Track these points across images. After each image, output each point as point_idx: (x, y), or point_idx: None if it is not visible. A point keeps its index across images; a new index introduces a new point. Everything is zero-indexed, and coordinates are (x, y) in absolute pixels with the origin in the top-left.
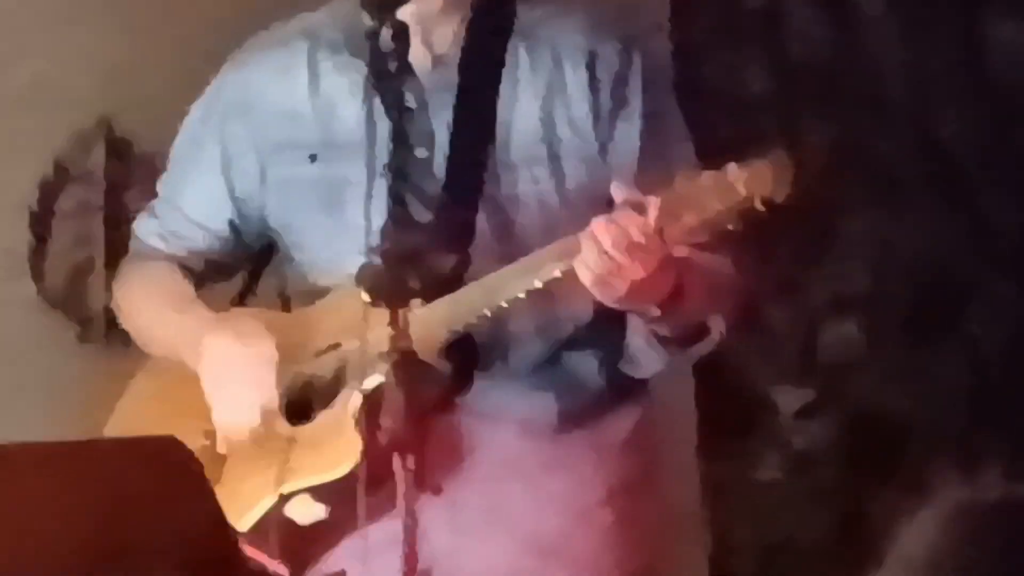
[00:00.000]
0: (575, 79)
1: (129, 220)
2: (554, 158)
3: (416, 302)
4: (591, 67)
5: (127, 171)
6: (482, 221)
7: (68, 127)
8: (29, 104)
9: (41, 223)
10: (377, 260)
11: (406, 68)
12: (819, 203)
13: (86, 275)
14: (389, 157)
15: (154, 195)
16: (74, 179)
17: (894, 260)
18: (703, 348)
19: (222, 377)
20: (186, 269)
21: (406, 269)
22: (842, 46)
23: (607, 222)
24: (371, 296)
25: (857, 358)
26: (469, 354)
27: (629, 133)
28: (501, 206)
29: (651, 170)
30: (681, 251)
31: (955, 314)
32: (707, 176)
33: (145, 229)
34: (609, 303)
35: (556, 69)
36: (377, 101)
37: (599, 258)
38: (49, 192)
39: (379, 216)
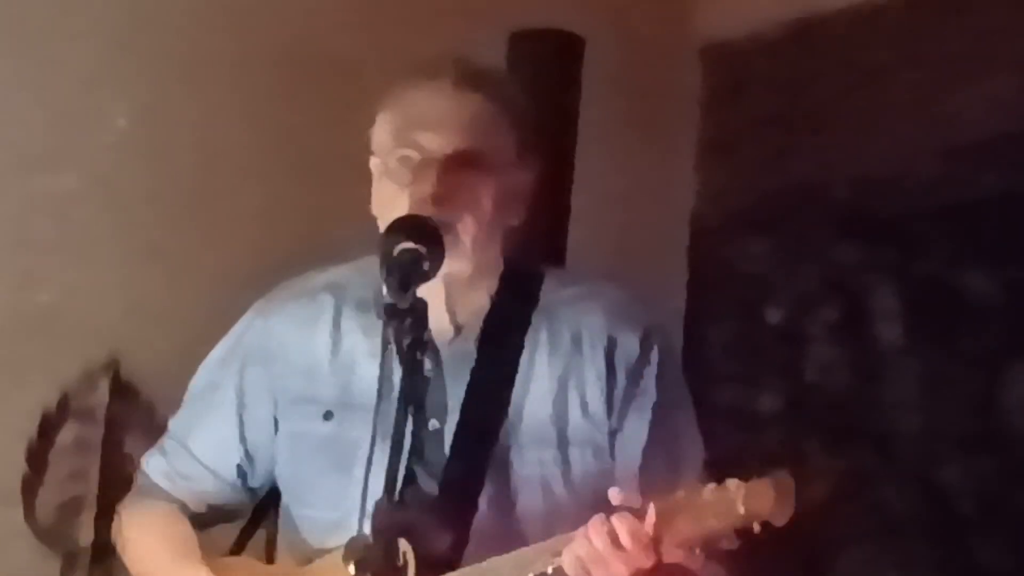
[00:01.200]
0: (592, 364)
1: (125, 463)
2: (563, 442)
3: None
4: (609, 354)
5: (128, 415)
6: (483, 500)
7: (76, 361)
8: (41, 334)
9: (38, 455)
10: (367, 533)
11: (421, 345)
12: (816, 531)
13: (76, 512)
14: (399, 425)
15: (151, 443)
16: (76, 415)
17: None
18: None
19: None
20: (189, 513)
21: (396, 546)
22: (856, 376)
23: (602, 522)
24: (358, 571)
25: None
26: None
27: (638, 427)
28: (505, 487)
29: (656, 467)
30: (678, 556)
31: None
32: (708, 491)
33: (153, 466)
34: None
35: (574, 352)
36: (395, 367)
37: (586, 551)
38: (50, 425)
39: (377, 484)
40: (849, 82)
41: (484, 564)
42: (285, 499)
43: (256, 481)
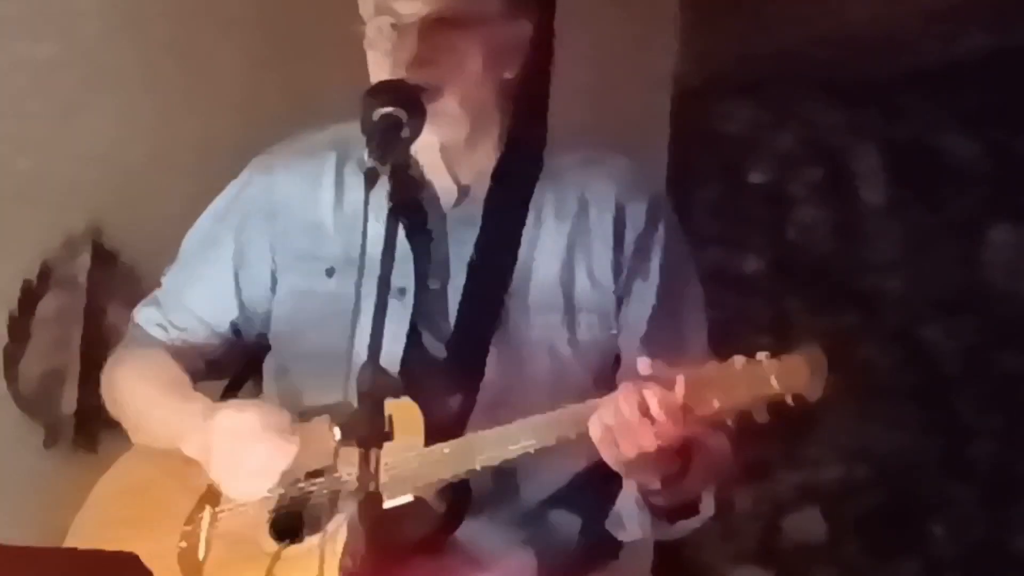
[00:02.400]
0: (599, 231)
1: (108, 332)
2: (569, 308)
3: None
4: (617, 222)
5: (110, 283)
6: (490, 363)
7: (57, 230)
8: (20, 201)
9: (20, 325)
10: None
11: (406, 207)
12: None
13: (59, 381)
14: (381, 289)
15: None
16: (57, 284)
17: (865, 456)
18: (691, 524)
19: (239, 446)
20: (181, 362)
21: (380, 410)
22: (839, 237)
23: (633, 390)
24: (343, 434)
25: (819, 545)
26: (462, 496)
27: (645, 295)
28: (511, 350)
29: (661, 335)
30: (693, 429)
31: (919, 517)
32: (739, 363)
33: (145, 317)
34: (612, 464)
35: (581, 217)
36: (399, 224)
37: (615, 419)
38: (31, 295)
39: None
40: None
41: (511, 426)
42: (280, 356)
43: (249, 337)
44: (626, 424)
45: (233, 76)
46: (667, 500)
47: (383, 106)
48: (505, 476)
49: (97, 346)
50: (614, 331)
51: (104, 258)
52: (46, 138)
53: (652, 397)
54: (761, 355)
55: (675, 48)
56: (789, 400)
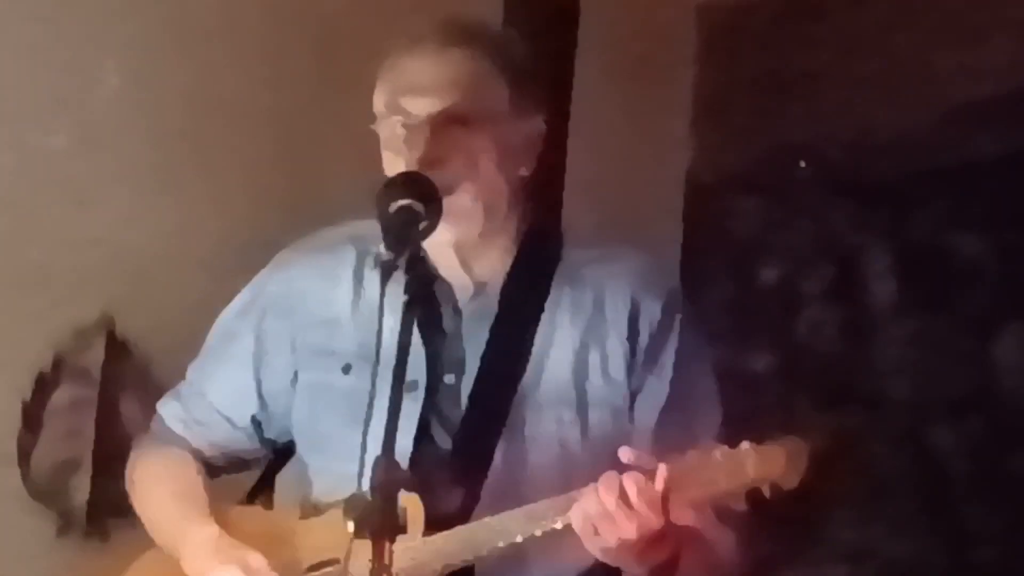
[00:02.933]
0: (615, 327)
1: (120, 422)
2: (582, 403)
3: (414, 534)
4: (632, 318)
5: (123, 373)
6: (498, 458)
7: (70, 320)
8: (33, 291)
9: (34, 415)
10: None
11: (420, 299)
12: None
13: (72, 471)
14: (396, 382)
15: (147, 404)
16: (71, 375)
17: (870, 557)
18: None
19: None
20: (202, 460)
21: (395, 503)
22: (849, 338)
23: (614, 478)
24: (356, 527)
25: None
26: None
27: (657, 390)
28: (520, 445)
29: (672, 430)
30: (690, 519)
31: None
32: (719, 452)
33: (168, 412)
34: (597, 554)
35: (597, 314)
36: (415, 318)
37: (595, 509)
38: (45, 385)
39: (377, 440)
40: (844, 43)
41: (494, 519)
42: (300, 450)
43: (272, 431)
44: (606, 514)
45: (246, 167)
46: None
47: (400, 199)
48: (513, 570)
49: (110, 436)
50: (626, 427)
51: (117, 348)
52: (58, 228)
53: (632, 486)
54: (744, 445)
55: (688, 145)
56: (765, 490)
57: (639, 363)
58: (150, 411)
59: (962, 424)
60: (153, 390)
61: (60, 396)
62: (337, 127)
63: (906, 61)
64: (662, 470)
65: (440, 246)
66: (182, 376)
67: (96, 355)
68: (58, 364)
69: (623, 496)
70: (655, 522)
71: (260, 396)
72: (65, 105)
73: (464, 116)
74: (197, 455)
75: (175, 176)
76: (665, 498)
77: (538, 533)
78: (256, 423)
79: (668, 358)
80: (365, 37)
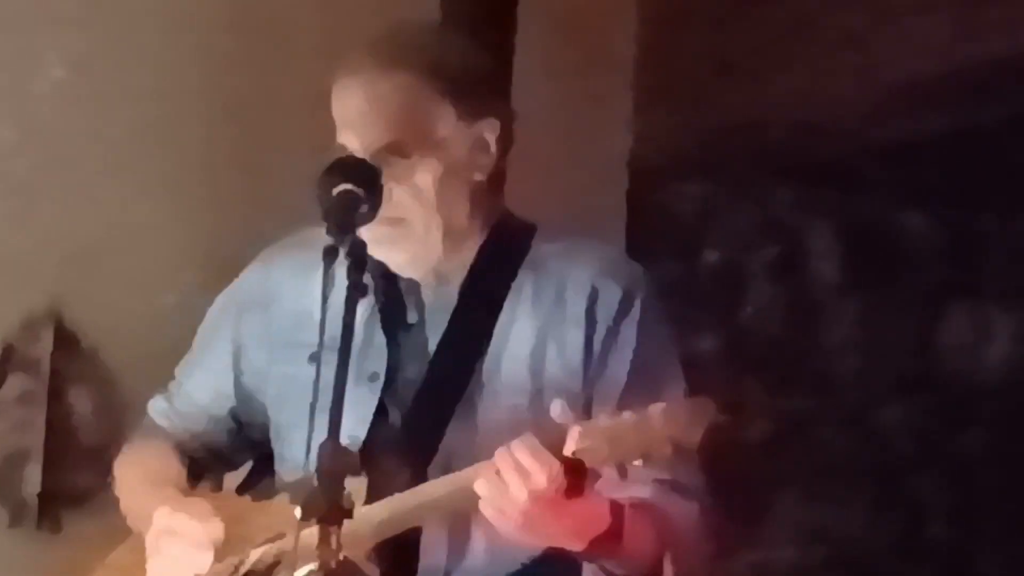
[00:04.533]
0: (573, 314)
1: (70, 413)
2: (537, 392)
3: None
4: (591, 304)
5: (72, 365)
6: (448, 442)
7: (17, 312)
8: None
9: None
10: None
11: (360, 288)
12: (754, 472)
13: (23, 463)
14: (340, 369)
15: (96, 394)
16: (19, 366)
17: (821, 537)
18: None
19: (160, 547)
20: (185, 454)
21: (340, 489)
22: (794, 317)
23: (505, 448)
24: (304, 513)
25: None
26: (404, 561)
27: (617, 375)
28: (472, 430)
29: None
30: (643, 491)
31: None
32: (628, 414)
33: (155, 407)
34: (506, 534)
35: (557, 303)
36: (356, 302)
37: (491, 479)
38: None
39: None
40: (785, 22)
41: (420, 486)
42: (272, 442)
43: (252, 427)
44: (500, 482)
45: (193, 158)
46: (624, 571)
47: (342, 183)
48: (464, 549)
49: (60, 428)
50: (581, 413)
51: (66, 340)
52: (5, 221)
53: (521, 447)
54: (654, 406)
55: (631, 128)
56: (666, 447)
57: (596, 348)
58: (99, 402)
59: (909, 402)
60: (101, 381)
61: (9, 387)
62: (296, 120)
63: (847, 39)
64: (574, 431)
65: (401, 267)
66: (130, 367)
67: (44, 346)
68: (6, 355)
69: (512, 457)
70: (545, 481)
71: (238, 389)
72: (8, 97)
73: (402, 148)
74: (180, 448)
75: (121, 166)
76: (573, 459)
77: (459, 498)
78: (235, 418)
79: (628, 340)
80: (324, 28)
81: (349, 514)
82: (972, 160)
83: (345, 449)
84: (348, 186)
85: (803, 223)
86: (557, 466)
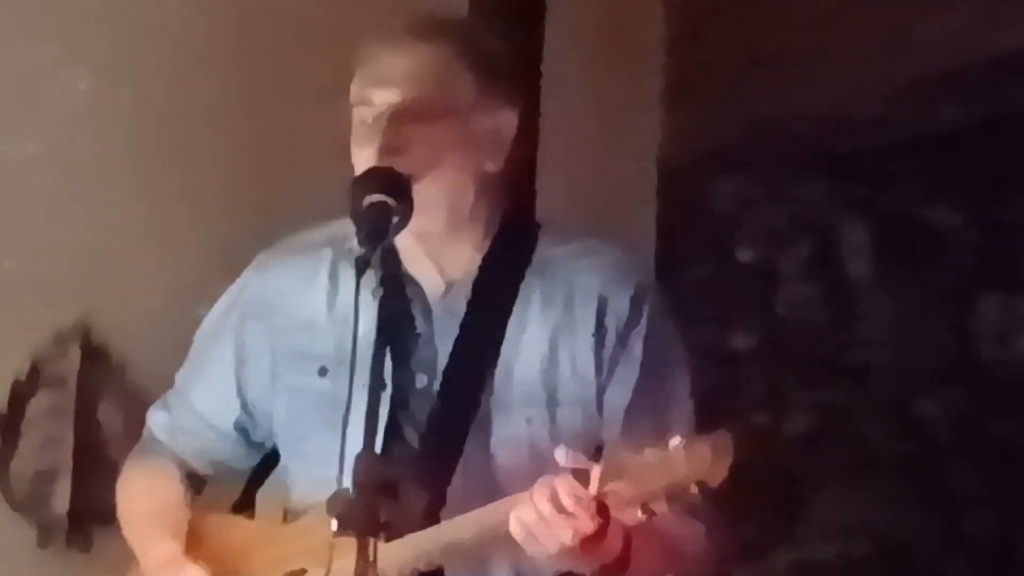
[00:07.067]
0: (583, 324)
1: (98, 429)
2: (552, 402)
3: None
4: (600, 314)
5: (100, 380)
6: (467, 459)
7: (46, 328)
8: (7, 300)
9: (10, 425)
10: (349, 488)
11: (396, 292)
12: (794, 467)
13: (52, 480)
14: (374, 380)
15: (125, 410)
16: (47, 383)
17: (861, 532)
18: None
19: None
20: (189, 469)
21: (378, 500)
22: (829, 312)
23: (547, 485)
24: (340, 525)
25: None
26: None
27: (624, 386)
28: (488, 445)
29: (640, 427)
30: (634, 517)
31: None
32: (650, 452)
33: (156, 420)
34: (540, 559)
35: (566, 311)
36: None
37: (531, 516)
38: (21, 394)
39: (357, 439)
40: (812, 17)
41: (453, 521)
42: (282, 454)
43: (258, 435)
44: (543, 520)
45: (221, 171)
46: None
47: (373, 193)
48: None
49: (89, 444)
50: (597, 423)
51: (93, 355)
52: (32, 236)
53: (565, 492)
54: (673, 442)
55: (661, 126)
56: (693, 488)
57: (606, 358)
58: (128, 417)
59: (945, 393)
60: (130, 396)
61: (37, 404)
62: (314, 132)
63: (876, 32)
64: (595, 472)
65: (407, 244)
66: (159, 382)
67: (72, 363)
68: (34, 372)
69: (555, 500)
70: (590, 524)
71: (242, 400)
72: (36, 112)
73: (426, 108)
74: (182, 465)
75: (149, 181)
76: (599, 500)
77: (488, 536)
78: (241, 428)
79: (636, 351)
80: (341, 38)
81: (387, 527)
82: (1004, 151)
83: (382, 460)
84: (380, 196)
85: (834, 218)
86: (594, 507)
